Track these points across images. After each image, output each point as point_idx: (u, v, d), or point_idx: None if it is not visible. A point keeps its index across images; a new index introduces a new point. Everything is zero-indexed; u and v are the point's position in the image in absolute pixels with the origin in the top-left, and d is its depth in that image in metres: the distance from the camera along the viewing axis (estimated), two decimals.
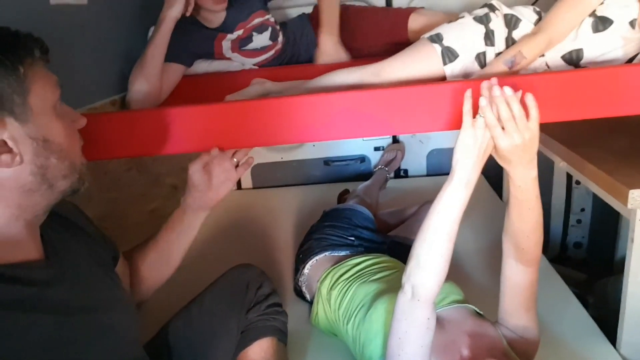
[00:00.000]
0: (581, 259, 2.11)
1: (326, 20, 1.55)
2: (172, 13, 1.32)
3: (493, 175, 2.06)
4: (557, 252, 2.17)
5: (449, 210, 0.85)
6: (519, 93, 0.82)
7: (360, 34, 1.59)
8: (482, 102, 0.83)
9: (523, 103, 0.82)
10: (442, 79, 1.11)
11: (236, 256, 1.64)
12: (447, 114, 0.92)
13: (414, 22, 1.48)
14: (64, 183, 0.72)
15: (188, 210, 1.02)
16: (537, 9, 1.12)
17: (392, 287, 1.08)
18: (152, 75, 1.36)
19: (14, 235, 0.69)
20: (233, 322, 1.02)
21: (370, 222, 1.48)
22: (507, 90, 0.82)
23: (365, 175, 2.22)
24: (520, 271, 0.94)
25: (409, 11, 1.50)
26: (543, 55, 1.07)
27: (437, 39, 1.10)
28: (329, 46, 1.55)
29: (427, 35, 1.12)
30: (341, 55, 1.55)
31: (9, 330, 0.62)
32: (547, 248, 2.20)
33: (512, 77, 1.00)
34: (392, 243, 1.43)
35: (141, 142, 0.98)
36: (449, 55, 1.09)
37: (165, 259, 1.04)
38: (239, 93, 1.23)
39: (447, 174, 0.87)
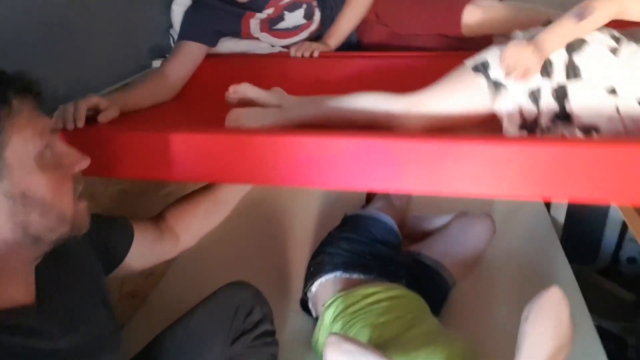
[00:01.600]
0: (634, 275, 1.92)
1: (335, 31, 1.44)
2: None
3: None
4: (607, 264, 1.99)
5: None
6: None
7: (411, 21, 1.41)
8: None
9: None
10: (490, 113, 0.93)
11: (250, 250, 1.58)
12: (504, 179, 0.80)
13: (469, 16, 1.29)
14: (52, 235, 0.66)
15: None
16: (617, 34, 0.90)
17: (396, 338, 1.00)
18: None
19: (2, 282, 0.64)
20: (217, 350, 0.97)
21: (393, 235, 1.36)
22: None
23: None
24: None
25: (464, 1, 1.29)
26: (614, 93, 0.88)
27: (482, 68, 0.92)
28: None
29: (471, 62, 0.94)
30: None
31: None
32: (596, 258, 2.02)
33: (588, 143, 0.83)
34: (413, 263, 1.32)
35: (137, 164, 0.93)
36: (497, 90, 0.91)
37: (218, 208, 1.05)
38: (257, 90, 1.09)
39: None
